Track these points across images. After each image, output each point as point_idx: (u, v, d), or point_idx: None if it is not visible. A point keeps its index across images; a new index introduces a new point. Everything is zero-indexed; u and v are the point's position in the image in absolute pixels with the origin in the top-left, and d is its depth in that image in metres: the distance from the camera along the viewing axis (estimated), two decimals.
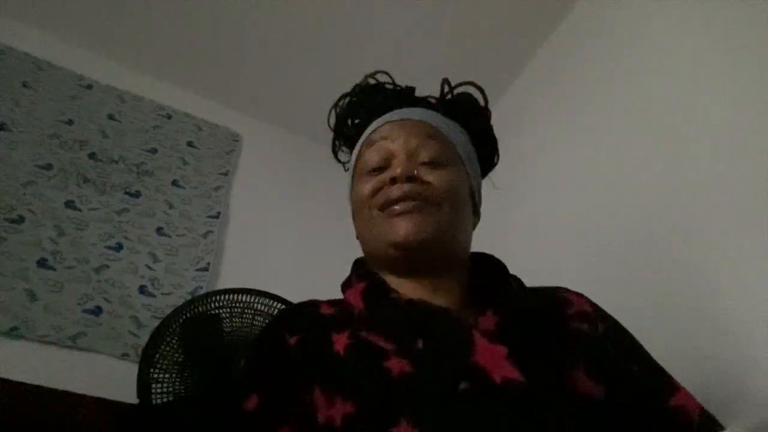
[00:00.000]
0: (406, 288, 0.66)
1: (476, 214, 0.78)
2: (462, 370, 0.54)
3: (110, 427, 1.24)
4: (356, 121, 0.81)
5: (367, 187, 0.70)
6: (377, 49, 1.92)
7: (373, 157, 0.72)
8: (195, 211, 1.79)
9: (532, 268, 1.55)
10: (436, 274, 0.67)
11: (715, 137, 1.20)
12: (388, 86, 0.81)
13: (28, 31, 1.87)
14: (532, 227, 1.68)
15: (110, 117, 1.85)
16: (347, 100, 0.82)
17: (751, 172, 1.09)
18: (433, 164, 0.70)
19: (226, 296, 1.28)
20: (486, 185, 0.87)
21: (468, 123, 0.80)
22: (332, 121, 0.83)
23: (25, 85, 1.75)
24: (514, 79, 2.04)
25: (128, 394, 1.19)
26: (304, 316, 0.65)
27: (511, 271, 0.73)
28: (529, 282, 0.73)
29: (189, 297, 1.53)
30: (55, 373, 1.30)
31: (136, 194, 1.73)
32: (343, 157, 0.86)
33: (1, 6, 1.84)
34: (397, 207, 0.66)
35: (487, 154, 0.82)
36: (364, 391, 0.54)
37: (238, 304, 1.28)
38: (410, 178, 0.67)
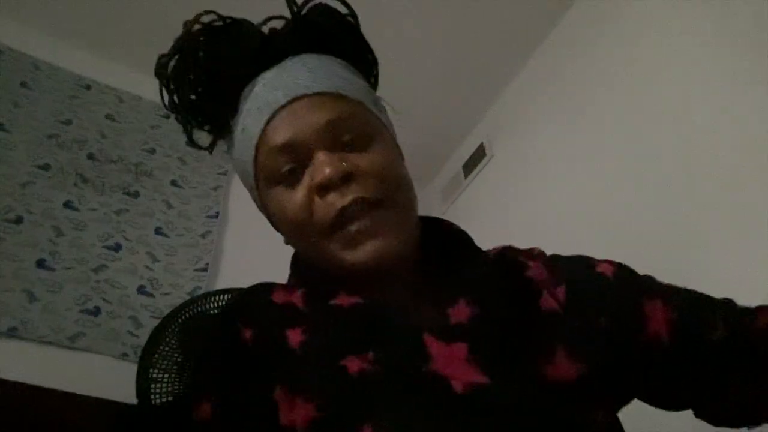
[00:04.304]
0: (353, 285, 0.56)
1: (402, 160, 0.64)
2: (419, 382, 0.50)
3: (109, 427, 1.24)
4: (210, 96, 0.62)
5: (293, 202, 0.56)
6: (375, 50, 1.92)
7: (279, 161, 0.56)
8: (194, 211, 1.79)
9: None
10: (390, 265, 0.56)
11: (715, 136, 1.20)
12: (220, 27, 0.62)
13: (27, 31, 1.87)
14: (531, 227, 1.68)
15: (109, 117, 1.85)
16: (181, 65, 0.62)
17: (753, 168, 1.09)
18: (357, 144, 0.56)
19: (225, 296, 1.28)
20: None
21: (338, 43, 0.64)
22: (167, 99, 0.62)
23: (23, 85, 1.75)
24: (512, 80, 2.04)
25: (127, 394, 1.19)
26: (257, 306, 0.59)
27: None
28: None
29: (188, 297, 1.53)
30: (54, 373, 1.30)
31: (135, 194, 1.73)
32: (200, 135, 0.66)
33: (1, 6, 1.84)
34: (353, 228, 0.54)
35: (368, 64, 0.69)
36: (324, 392, 0.50)
37: None
38: (345, 177, 0.54)
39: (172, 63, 0.62)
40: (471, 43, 1.93)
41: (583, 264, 0.63)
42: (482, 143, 2.06)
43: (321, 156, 0.55)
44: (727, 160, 1.15)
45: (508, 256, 0.64)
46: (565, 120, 1.71)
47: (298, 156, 0.56)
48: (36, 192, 1.57)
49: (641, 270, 0.63)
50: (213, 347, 0.58)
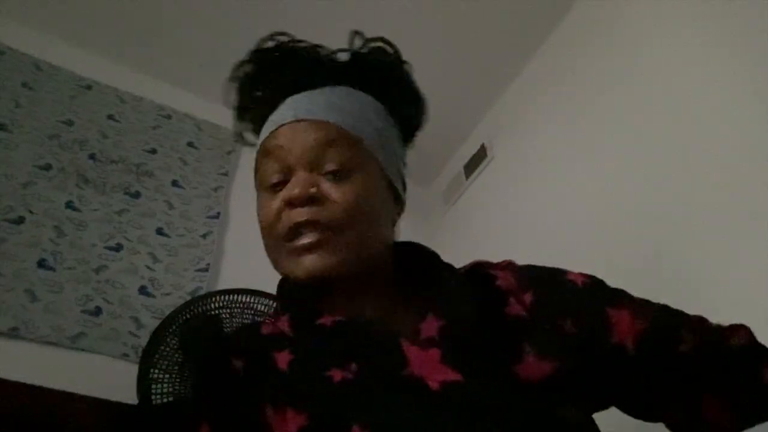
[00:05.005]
0: (331, 305, 0.62)
1: (398, 202, 0.70)
2: (399, 384, 0.54)
3: (109, 427, 1.24)
4: (258, 101, 0.72)
5: (269, 208, 0.63)
6: None
7: (270, 170, 0.64)
8: (195, 212, 1.79)
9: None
10: (358, 288, 0.63)
11: (715, 136, 1.20)
12: (288, 45, 0.71)
13: (28, 31, 1.87)
14: (532, 227, 1.68)
15: (110, 117, 1.85)
16: (245, 71, 0.71)
17: (753, 168, 1.09)
18: (337, 174, 0.61)
19: (226, 297, 1.29)
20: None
21: (382, 84, 0.70)
22: (236, 100, 0.72)
23: (24, 85, 1.75)
24: (512, 80, 2.04)
25: (128, 395, 1.19)
26: (245, 338, 0.65)
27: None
28: None
29: (189, 297, 1.54)
30: (55, 373, 1.30)
31: (136, 195, 1.73)
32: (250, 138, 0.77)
33: (1, 6, 1.84)
34: (299, 242, 0.59)
35: (409, 112, 0.73)
36: (313, 400, 0.54)
37: (238, 305, 1.28)
38: (310, 199, 0.59)
39: (244, 69, 0.71)
40: (471, 43, 1.93)
41: (553, 272, 0.67)
42: (483, 144, 2.06)
43: (299, 175, 0.61)
44: (727, 160, 1.15)
45: (477, 270, 0.68)
46: (565, 120, 1.71)
47: (284, 169, 0.63)
48: (37, 192, 1.57)
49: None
50: (206, 378, 0.63)
